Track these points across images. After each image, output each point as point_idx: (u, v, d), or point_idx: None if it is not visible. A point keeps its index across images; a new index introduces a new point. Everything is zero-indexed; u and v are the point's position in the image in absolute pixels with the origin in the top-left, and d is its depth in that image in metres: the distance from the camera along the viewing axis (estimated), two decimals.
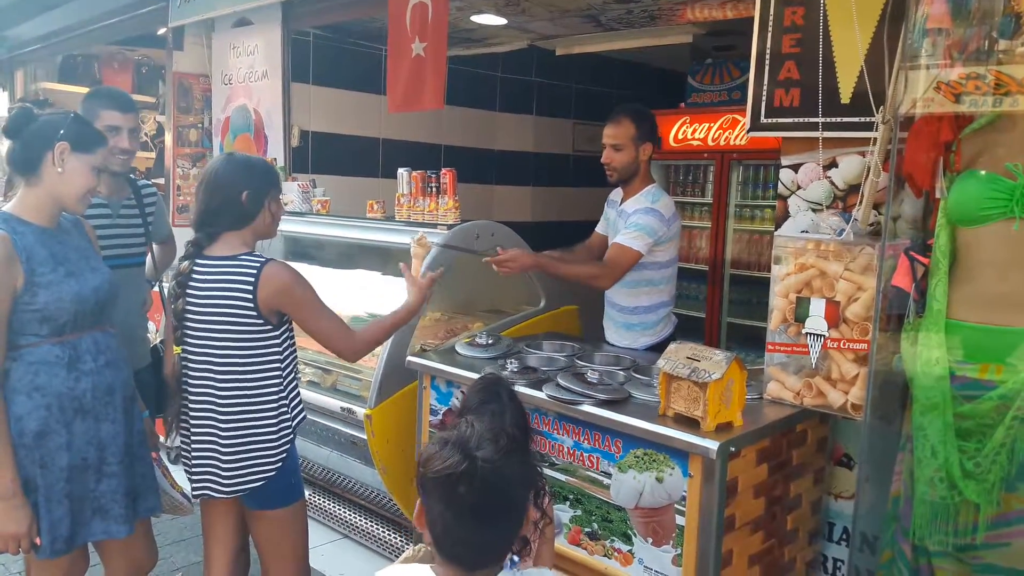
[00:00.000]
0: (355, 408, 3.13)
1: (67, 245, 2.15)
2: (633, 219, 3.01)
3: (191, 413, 2.24)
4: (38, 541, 2.03)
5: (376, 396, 3.07)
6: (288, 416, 2.24)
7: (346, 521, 3.58)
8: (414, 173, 3.66)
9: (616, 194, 3.31)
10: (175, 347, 2.22)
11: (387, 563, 3.26)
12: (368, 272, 3.86)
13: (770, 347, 2.49)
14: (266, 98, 4.96)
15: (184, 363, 2.23)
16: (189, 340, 2.21)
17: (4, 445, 1.97)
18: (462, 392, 2.74)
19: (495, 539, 1.32)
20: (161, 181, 5.53)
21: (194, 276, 2.18)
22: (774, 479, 2.32)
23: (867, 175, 2.36)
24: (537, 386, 2.53)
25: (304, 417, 2.32)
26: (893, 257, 2.26)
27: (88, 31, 6.07)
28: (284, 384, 2.23)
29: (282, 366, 2.23)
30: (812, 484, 2.51)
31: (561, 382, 2.49)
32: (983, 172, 2.06)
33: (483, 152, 6.25)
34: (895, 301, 2.26)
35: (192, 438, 2.26)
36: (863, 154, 2.40)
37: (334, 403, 3.24)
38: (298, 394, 2.30)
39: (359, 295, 3.82)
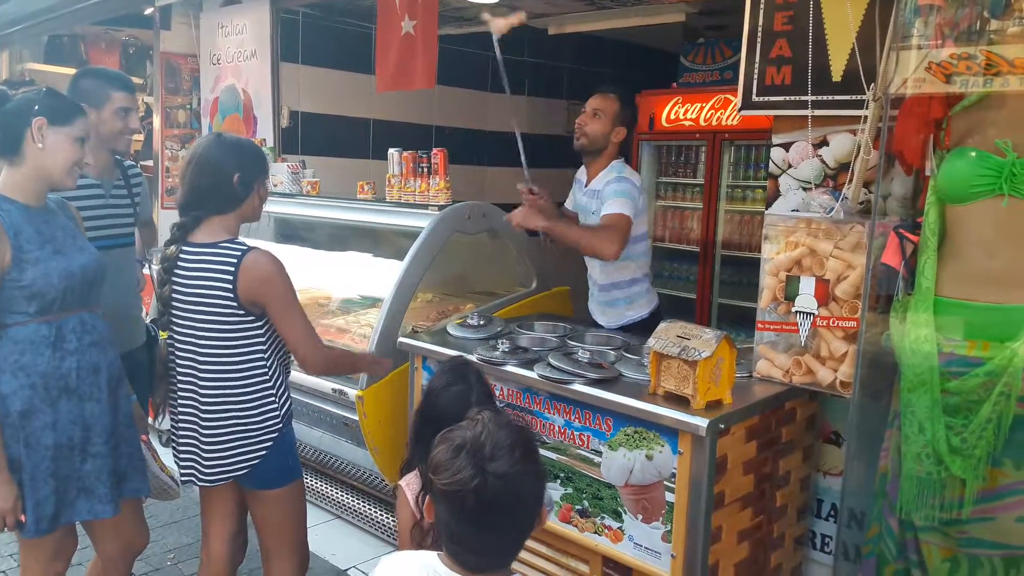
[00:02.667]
0: (347, 389, 3.13)
1: (53, 224, 2.14)
2: (608, 190, 3.05)
3: (178, 399, 2.25)
4: (23, 519, 2.03)
5: (368, 377, 3.07)
6: (275, 406, 2.22)
7: (338, 502, 3.59)
8: (405, 153, 3.64)
9: (581, 173, 3.37)
10: (162, 332, 2.22)
11: (380, 543, 3.31)
12: (359, 254, 3.85)
13: (760, 325, 2.50)
14: (255, 78, 4.92)
15: (171, 348, 2.23)
16: (175, 326, 2.20)
17: None
18: None
19: (502, 546, 1.30)
20: (150, 163, 5.50)
21: (179, 263, 2.16)
22: (763, 456, 2.34)
23: (857, 153, 2.36)
24: (528, 366, 2.54)
25: (290, 404, 2.30)
26: (883, 235, 2.27)
27: (74, 10, 5.98)
28: (270, 375, 2.21)
29: (266, 356, 2.21)
30: (801, 461, 2.53)
31: (552, 362, 2.49)
32: (973, 150, 2.06)
33: (475, 133, 6.21)
34: (884, 279, 2.27)
35: (178, 423, 2.27)
36: (854, 132, 2.40)
37: (326, 384, 3.23)
38: (286, 386, 2.28)
39: (350, 277, 3.82)
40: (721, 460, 2.16)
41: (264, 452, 2.20)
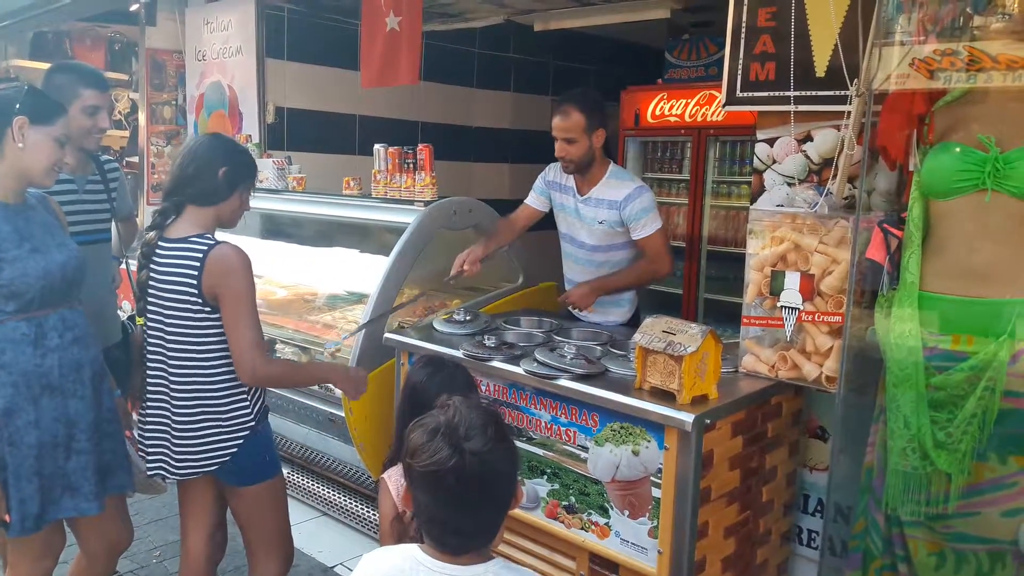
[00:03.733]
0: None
1: (32, 221, 2.11)
2: (634, 209, 3.02)
3: (149, 389, 2.23)
4: (7, 518, 2.01)
5: None
6: (246, 401, 2.19)
7: (325, 499, 3.58)
8: (390, 149, 3.63)
9: (561, 177, 3.25)
10: (139, 319, 2.23)
11: (366, 540, 3.29)
12: (345, 249, 3.83)
13: (745, 320, 2.50)
14: (240, 74, 4.88)
15: (146, 336, 2.22)
16: (150, 316, 2.19)
17: None
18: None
19: (482, 525, 1.32)
20: (135, 159, 5.46)
21: (156, 254, 2.16)
22: (749, 451, 2.34)
23: (841, 149, 2.37)
24: (515, 361, 2.53)
25: (263, 401, 2.26)
26: (867, 230, 2.27)
27: (60, 7, 5.93)
28: None
29: None
30: (787, 456, 2.53)
31: (539, 357, 2.49)
32: (956, 145, 2.07)
33: (461, 129, 6.20)
34: (869, 274, 2.27)
35: (148, 414, 2.25)
36: (838, 128, 2.40)
37: None
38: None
39: (336, 272, 3.80)
40: (707, 455, 2.16)
41: (236, 448, 2.17)
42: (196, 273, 2.07)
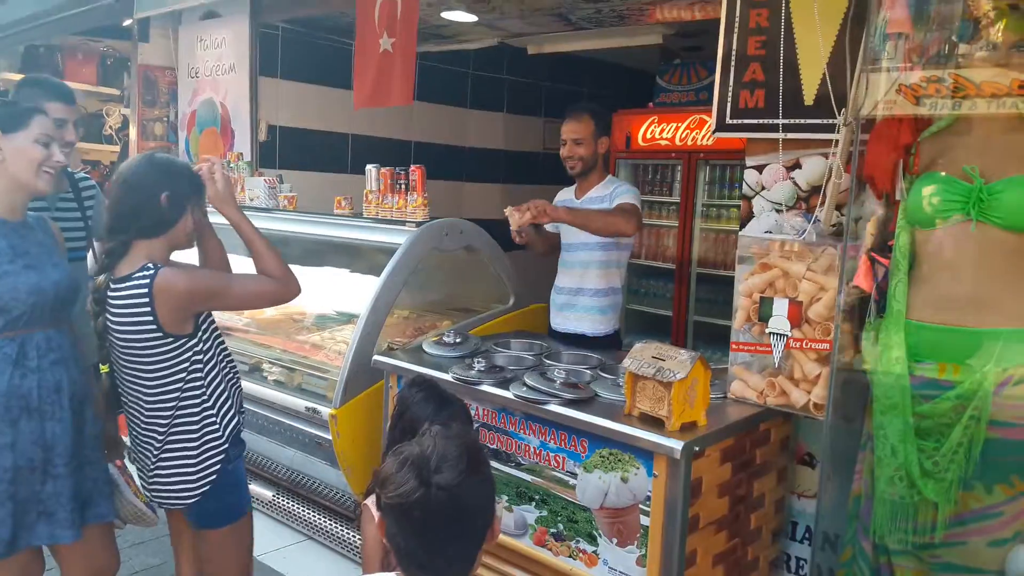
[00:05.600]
0: (320, 408, 3.10)
1: (28, 239, 2.10)
2: (618, 191, 3.26)
3: (131, 426, 2.17)
4: None
5: (341, 396, 3.04)
6: (217, 433, 2.11)
7: (310, 523, 3.54)
8: (383, 170, 3.63)
9: (566, 193, 3.48)
10: (103, 366, 2.11)
11: (352, 565, 3.26)
12: (335, 269, 3.82)
13: (734, 346, 2.51)
14: (233, 92, 4.89)
15: (115, 380, 2.13)
16: (114, 358, 2.09)
17: None
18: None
19: (453, 558, 1.30)
20: None
21: (109, 297, 2.03)
22: (738, 478, 2.34)
23: (829, 176, 2.39)
24: (504, 385, 2.53)
25: (239, 431, 2.19)
26: (854, 258, 2.29)
27: (51, 21, 5.94)
28: (211, 397, 2.11)
29: (204, 378, 2.09)
30: (775, 483, 2.53)
31: (528, 381, 2.48)
32: (941, 174, 2.09)
33: (454, 149, 6.22)
34: (856, 302, 2.29)
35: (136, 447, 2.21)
36: (826, 156, 2.42)
37: (299, 403, 3.20)
38: (231, 406, 2.17)
39: (326, 292, 3.79)
40: (696, 483, 2.16)
41: (207, 486, 2.10)
42: (149, 310, 1.98)
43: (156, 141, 5.55)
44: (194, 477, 2.10)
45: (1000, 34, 1.92)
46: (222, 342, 2.20)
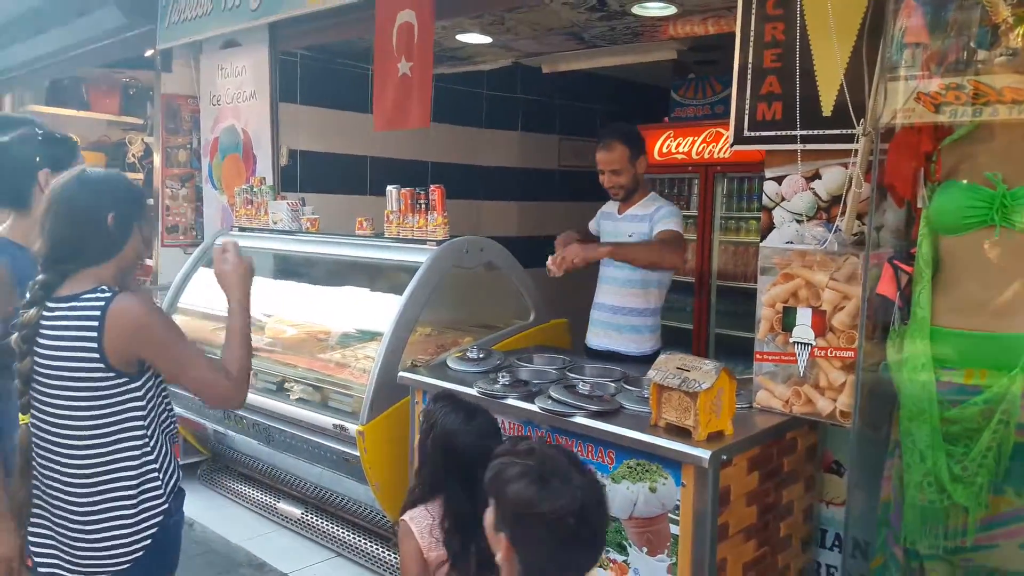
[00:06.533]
0: (347, 425, 3.13)
1: None
2: (661, 212, 3.24)
3: (42, 490, 1.85)
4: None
5: (368, 412, 3.08)
6: (158, 485, 1.86)
7: (339, 539, 3.57)
8: (403, 191, 3.68)
9: (609, 206, 3.48)
10: (22, 417, 1.83)
11: None
12: (358, 289, 3.87)
13: (758, 356, 2.52)
14: (254, 118, 4.98)
15: (33, 434, 1.82)
16: (37, 404, 1.81)
17: None
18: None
19: (590, 560, 1.34)
20: (151, 202, 5.55)
21: (41, 327, 1.79)
22: (765, 487, 2.35)
23: (849, 186, 2.41)
24: (529, 399, 2.55)
25: (178, 486, 1.93)
26: (877, 266, 2.31)
27: (76, 55, 6.08)
28: (153, 449, 1.85)
29: (146, 426, 1.83)
30: (803, 491, 2.53)
31: (553, 395, 2.51)
32: (964, 181, 2.10)
33: (469, 168, 6.28)
34: (880, 309, 2.30)
35: (38, 521, 1.87)
36: (845, 166, 2.44)
37: (326, 420, 3.24)
38: (171, 459, 1.91)
39: (349, 312, 3.84)
40: (724, 491, 2.17)
41: (145, 547, 1.84)
42: (95, 335, 1.74)
43: (180, 168, 5.66)
44: (131, 538, 1.83)
45: (1020, 39, 1.94)
46: (164, 388, 1.92)
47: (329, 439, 3.26)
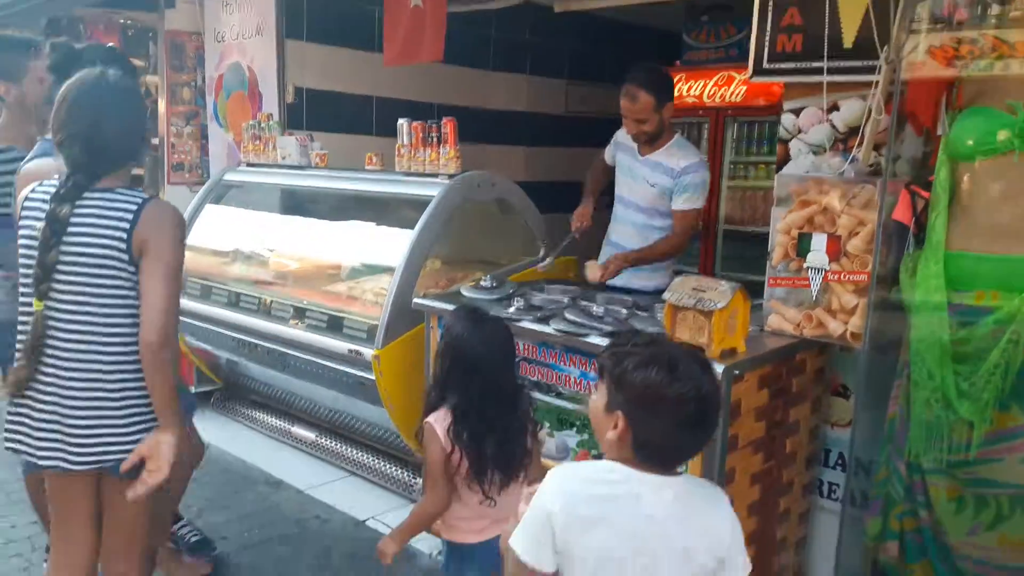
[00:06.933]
0: (362, 349, 3.19)
1: None
2: (688, 180, 3.15)
3: (49, 372, 1.90)
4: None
5: (383, 337, 3.13)
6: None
7: (352, 459, 3.67)
8: (414, 124, 3.68)
9: (626, 139, 3.34)
10: (36, 302, 1.88)
11: (393, 496, 3.37)
12: (367, 224, 3.89)
13: (771, 282, 2.57)
14: (260, 55, 4.94)
15: (49, 320, 1.88)
16: (56, 295, 1.87)
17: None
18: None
19: (693, 447, 1.45)
20: (155, 140, 5.53)
21: (75, 214, 1.86)
22: (774, 404, 2.41)
23: (868, 116, 2.43)
24: (544, 322, 2.60)
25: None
26: (894, 193, 2.35)
27: None
28: None
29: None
30: (810, 411, 2.60)
31: (568, 316, 2.56)
32: (984, 109, 2.14)
33: (476, 111, 6.24)
34: (895, 235, 2.35)
35: (35, 404, 1.92)
36: (864, 97, 2.47)
37: (342, 346, 3.29)
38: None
39: (359, 246, 3.87)
40: (735, 405, 2.24)
41: (144, 432, 1.92)
42: (128, 225, 1.83)
43: (184, 106, 5.62)
44: (123, 437, 1.91)
45: None
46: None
47: (345, 364, 3.31)
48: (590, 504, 1.37)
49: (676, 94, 5.20)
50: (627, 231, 3.34)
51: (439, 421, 1.96)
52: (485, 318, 2.14)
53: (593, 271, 3.12)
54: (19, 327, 1.95)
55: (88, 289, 1.87)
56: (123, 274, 1.87)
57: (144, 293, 1.85)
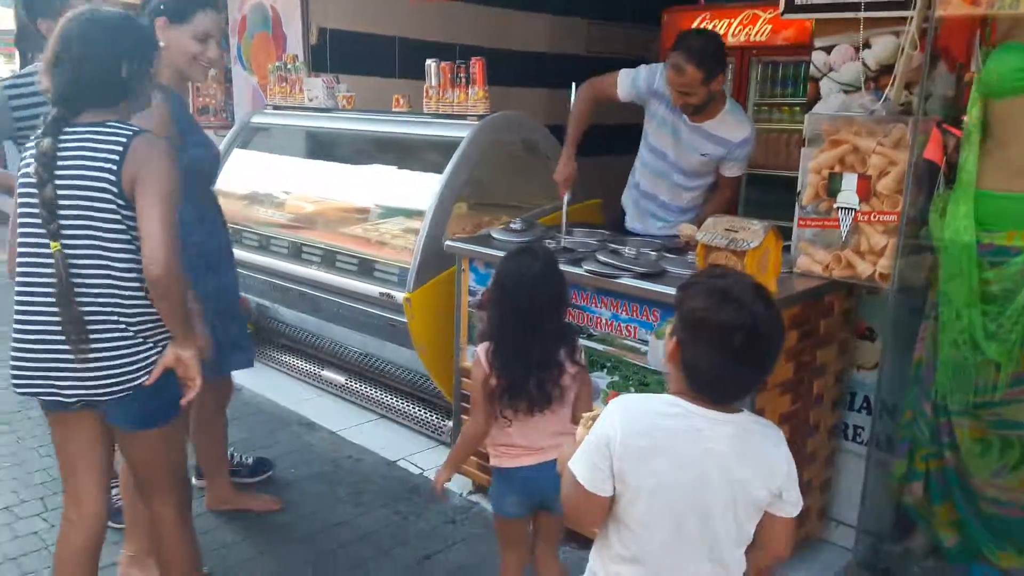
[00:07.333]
0: (394, 293, 3.25)
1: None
2: (740, 153, 3.16)
3: (91, 312, 1.87)
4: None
5: (414, 280, 3.19)
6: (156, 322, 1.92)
7: (381, 402, 3.76)
8: (443, 64, 3.67)
9: (669, 89, 3.07)
10: (53, 244, 1.83)
11: (423, 439, 3.47)
12: (395, 167, 3.91)
13: (801, 223, 2.58)
14: None
15: (70, 260, 1.84)
16: (67, 232, 1.83)
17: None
18: None
19: (749, 382, 1.47)
20: None
21: (60, 154, 1.82)
22: (802, 345, 2.45)
23: (901, 52, 2.40)
24: (576, 264, 2.63)
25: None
26: (925, 132, 2.33)
27: None
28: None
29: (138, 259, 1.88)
30: (837, 354, 2.64)
31: (600, 258, 2.59)
32: (1019, 44, 2.11)
33: (498, 52, 6.17)
34: (925, 174, 2.34)
35: (35, 334, 1.90)
36: (896, 34, 2.43)
37: (373, 289, 3.35)
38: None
39: (388, 188, 3.90)
40: None
41: (147, 366, 1.90)
42: (117, 159, 1.80)
43: None
44: (144, 353, 1.91)
45: None
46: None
47: (375, 307, 3.38)
48: (650, 434, 1.40)
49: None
50: (661, 184, 3.30)
51: (482, 348, 2.04)
52: (533, 259, 2.11)
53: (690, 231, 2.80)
54: (28, 277, 1.89)
55: (93, 223, 1.83)
56: (121, 212, 1.83)
57: (142, 228, 1.82)
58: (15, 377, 1.93)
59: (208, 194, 2.60)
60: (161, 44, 2.17)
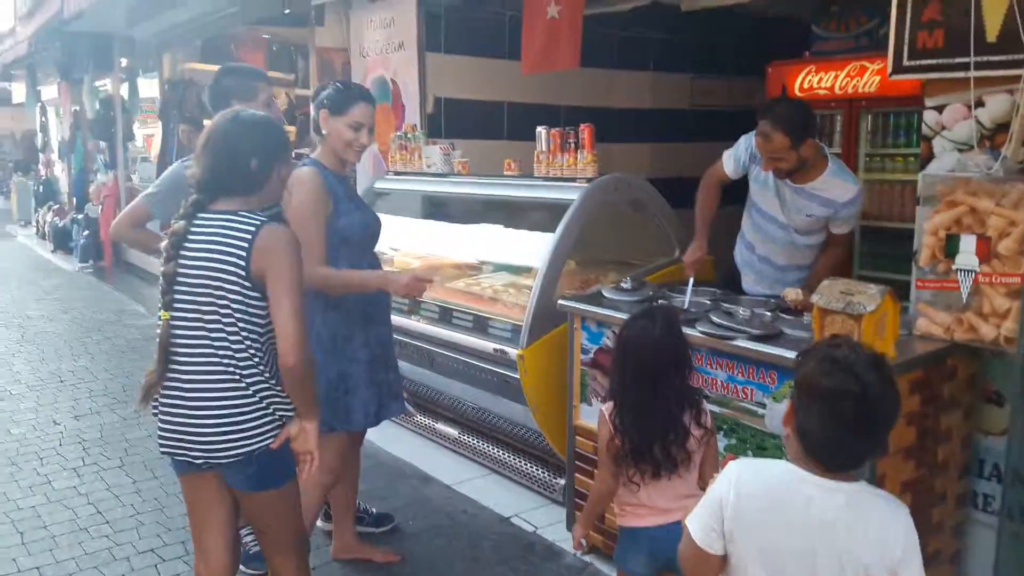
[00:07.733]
0: (507, 349, 3.37)
1: (352, 189, 2.97)
2: (847, 212, 3.12)
3: (182, 379, 2.04)
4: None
5: (528, 337, 3.30)
6: (275, 382, 2.06)
7: (494, 457, 3.86)
8: (552, 130, 3.83)
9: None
10: (163, 313, 2.04)
11: (535, 495, 3.56)
12: (507, 228, 4.07)
13: (919, 284, 2.56)
14: (402, 68, 5.23)
15: (173, 329, 2.03)
16: (180, 306, 2.02)
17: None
18: (613, 332, 2.91)
19: (862, 452, 1.47)
20: (307, 150, 5.93)
21: (190, 236, 2.02)
22: (925, 410, 2.41)
23: (1017, 111, 2.39)
24: (690, 324, 2.68)
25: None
26: None
27: (223, 15, 6.49)
28: (266, 362, 2.06)
29: (263, 342, 2.05)
30: (962, 419, 2.57)
31: (714, 319, 2.64)
32: None
33: (601, 111, 6.33)
34: None
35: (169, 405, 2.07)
36: (1011, 92, 2.42)
37: (487, 345, 3.49)
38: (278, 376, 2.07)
39: (502, 248, 4.06)
40: None
41: (265, 438, 2.05)
42: (246, 247, 1.96)
43: None
44: (259, 422, 2.04)
45: None
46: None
47: (489, 363, 3.51)
48: (762, 498, 1.44)
49: (807, 86, 5.15)
50: (771, 246, 3.32)
51: (607, 407, 2.13)
52: (653, 322, 2.17)
53: (795, 295, 2.88)
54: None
55: (203, 300, 1.99)
56: (245, 292, 1.98)
57: (276, 321, 1.99)
58: (159, 438, 2.12)
59: (367, 254, 2.87)
60: (324, 132, 2.74)
